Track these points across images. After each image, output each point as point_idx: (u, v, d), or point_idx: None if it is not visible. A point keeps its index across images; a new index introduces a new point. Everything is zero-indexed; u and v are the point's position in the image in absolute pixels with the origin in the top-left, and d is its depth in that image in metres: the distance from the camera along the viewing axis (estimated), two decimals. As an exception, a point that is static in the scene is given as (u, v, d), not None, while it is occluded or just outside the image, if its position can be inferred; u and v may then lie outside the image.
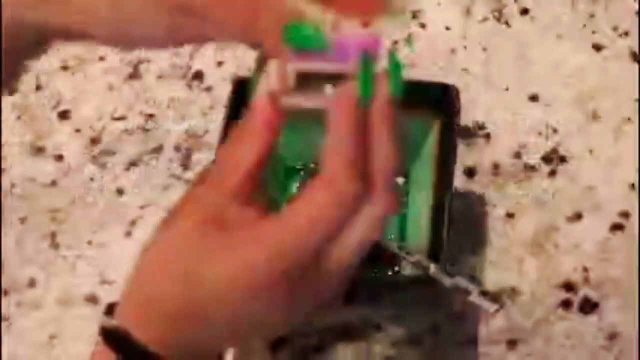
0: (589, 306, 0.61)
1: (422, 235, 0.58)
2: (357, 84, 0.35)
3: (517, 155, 0.68)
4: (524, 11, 0.76)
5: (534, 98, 0.71)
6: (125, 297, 0.37)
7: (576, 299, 0.61)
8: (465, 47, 0.74)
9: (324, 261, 0.35)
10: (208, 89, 0.73)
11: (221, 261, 0.34)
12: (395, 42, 0.74)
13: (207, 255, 0.35)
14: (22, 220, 0.67)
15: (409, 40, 0.74)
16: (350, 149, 0.35)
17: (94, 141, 0.71)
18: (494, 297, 0.51)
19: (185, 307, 0.35)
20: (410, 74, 0.72)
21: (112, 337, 0.36)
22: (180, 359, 0.36)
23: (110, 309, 0.37)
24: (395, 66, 0.36)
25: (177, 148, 0.70)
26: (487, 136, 0.69)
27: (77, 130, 0.72)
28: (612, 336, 0.60)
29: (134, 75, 0.74)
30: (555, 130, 0.69)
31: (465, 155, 0.67)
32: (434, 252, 0.55)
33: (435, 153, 0.60)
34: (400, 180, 0.65)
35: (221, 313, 0.35)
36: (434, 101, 0.60)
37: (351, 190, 0.35)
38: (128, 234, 0.66)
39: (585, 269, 0.62)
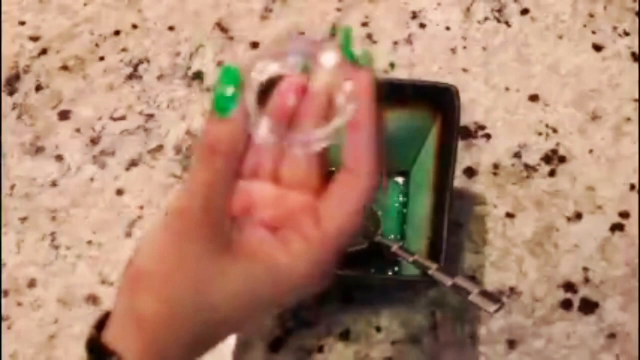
0: (589, 306, 0.61)
1: (422, 235, 0.58)
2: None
3: (517, 155, 0.68)
4: (524, 11, 0.76)
5: (534, 98, 0.71)
6: (122, 316, 0.36)
7: (576, 299, 0.61)
8: (465, 47, 0.74)
9: None
10: (208, 89, 0.73)
11: (233, 282, 0.35)
12: (396, 43, 0.74)
13: (217, 279, 0.35)
14: (22, 220, 0.67)
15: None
16: (376, 147, 0.35)
17: (94, 141, 0.71)
18: (494, 297, 0.50)
19: (200, 333, 0.35)
20: (411, 74, 0.72)
21: (102, 357, 0.36)
22: None
23: (100, 323, 0.37)
24: (347, 39, 0.36)
25: (177, 148, 0.70)
26: (487, 136, 0.69)
27: (77, 130, 0.72)
28: (612, 336, 0.60)
29: (134, 75, 0.74)
30: (555, 130, 0.69)
31: (465, 155, 0.67)
32: (434, 252, 0.55)
33: (435, 153, 0.60)
34: (400, 180, 0.65)
35: (229, 329, 0.36)
36: (434, 101, 0.60)
37: (374, 186, 0.35)
38: (128, 234, 0.66)
39: (585, 269, 0.62)
